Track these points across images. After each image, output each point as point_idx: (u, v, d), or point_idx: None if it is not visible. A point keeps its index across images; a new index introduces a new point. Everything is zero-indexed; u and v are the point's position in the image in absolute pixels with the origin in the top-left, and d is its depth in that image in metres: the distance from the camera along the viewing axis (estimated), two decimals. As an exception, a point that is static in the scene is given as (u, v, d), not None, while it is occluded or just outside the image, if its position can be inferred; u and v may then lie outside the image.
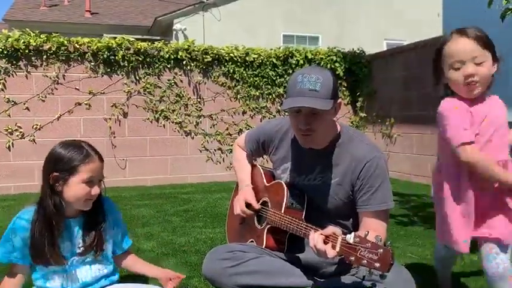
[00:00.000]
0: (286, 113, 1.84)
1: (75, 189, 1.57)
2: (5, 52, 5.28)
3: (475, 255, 2.62)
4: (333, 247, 1.43)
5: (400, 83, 6.30)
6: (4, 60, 5.30)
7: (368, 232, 1.39)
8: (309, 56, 6.53)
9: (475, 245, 1.70)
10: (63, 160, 1.56)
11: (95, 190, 1.60)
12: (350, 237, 1.40)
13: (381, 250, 1.32)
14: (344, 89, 6.86)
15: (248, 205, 1.96)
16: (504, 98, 1.75)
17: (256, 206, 1.94)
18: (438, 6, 6.61)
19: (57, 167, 1.56)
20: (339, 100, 1.75)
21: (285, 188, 1.86)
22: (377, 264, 1.31)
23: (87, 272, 1.67)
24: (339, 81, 6.66)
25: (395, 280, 1.54)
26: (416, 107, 6.03)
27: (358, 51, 6.92)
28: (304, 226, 1.67)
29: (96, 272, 1.69)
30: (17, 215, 1.63)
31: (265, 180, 2.05)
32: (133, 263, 1.87)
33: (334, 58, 6.70)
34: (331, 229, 1.48)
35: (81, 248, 1.64)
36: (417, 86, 6.00)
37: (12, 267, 1.63)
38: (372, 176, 1.73)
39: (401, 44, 8.26)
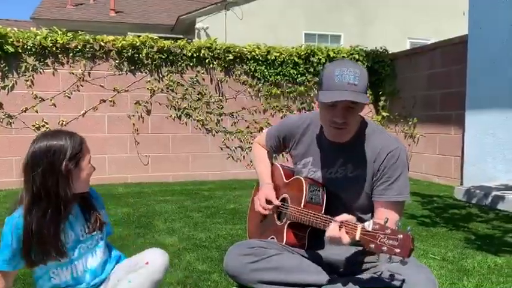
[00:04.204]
0: (307, 110, 1.84)
1: (86, 170, 1.62)
2: (33, 50, 5.42)
3: (499, 257, 2.59)
4: (349, 234, 1.43)
5: (424, 82, 6.21)
6: (32, 57, 5.44)
7: (387, 219, 1.39)
8: (331, 54, 6.50)
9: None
10: (68, 148, 1.58)
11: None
12: (369, 225, 1.40)
13: (401, 236, 1.32)
14: (366, 88, 6.79)
15: (268, 202, 1.98)
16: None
17: (276, 202, 1.96)
18: (463, 4, 6.48)
19: (67, 155, 1.57)
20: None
21: (304, 182, 1.87)
22: (397, 250, 1.31)
23: (93, 258, 1.65)
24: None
25: (417, 278, 1.53)
26: (440, 107, 5.94)
27: (380, 50, 6.86)
28: (322, 218, 1.68)
29: (101, 256, 1.67)
30: (11, 216, 1.55)
31: (284, 178, 2.07)
32: None
33: (357, 57, 6.65)
34: (345, 216, 1.49)
35: (86, 233, 1.63)
36: (441, 86, 5.91)
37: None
38: (392, 166, 1.73)
39: (425, 43, 8.14)
